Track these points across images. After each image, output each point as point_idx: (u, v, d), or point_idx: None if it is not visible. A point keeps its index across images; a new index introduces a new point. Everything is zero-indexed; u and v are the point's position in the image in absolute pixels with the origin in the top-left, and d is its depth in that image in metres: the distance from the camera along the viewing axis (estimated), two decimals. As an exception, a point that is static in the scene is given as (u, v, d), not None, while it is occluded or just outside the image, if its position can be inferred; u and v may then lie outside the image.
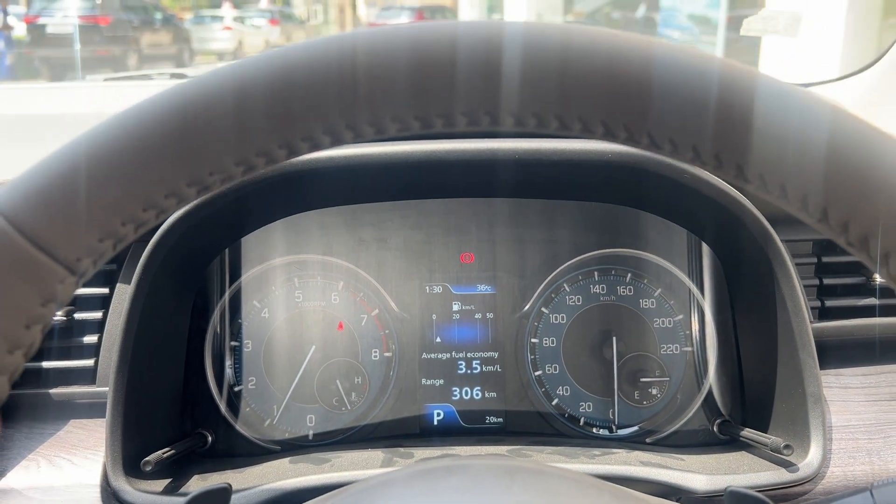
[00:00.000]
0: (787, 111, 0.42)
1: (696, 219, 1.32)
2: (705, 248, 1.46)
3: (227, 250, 1.43)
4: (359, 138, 0.55)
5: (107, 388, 1.16)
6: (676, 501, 1.20)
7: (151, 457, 1.16)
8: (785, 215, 1.31)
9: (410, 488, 0.67)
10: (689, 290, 1.49)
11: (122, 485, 1.14)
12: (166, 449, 1.21)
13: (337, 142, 0.55)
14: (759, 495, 0.80)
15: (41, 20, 17.52)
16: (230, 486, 0.83)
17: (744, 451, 1.32)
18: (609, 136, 0.47)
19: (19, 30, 18.02)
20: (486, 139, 1.12)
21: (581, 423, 1.49)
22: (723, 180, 1.12)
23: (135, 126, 0.51)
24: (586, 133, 0.47)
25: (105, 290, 1.29)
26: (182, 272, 1.26)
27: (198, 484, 1.21)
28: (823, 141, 0.42)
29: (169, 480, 1.20)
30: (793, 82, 0.47)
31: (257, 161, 0.54)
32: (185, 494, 1.10)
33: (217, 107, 0.50)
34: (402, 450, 1.32)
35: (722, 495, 1.17)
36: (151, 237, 1.15)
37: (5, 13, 16.75)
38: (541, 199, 1.47)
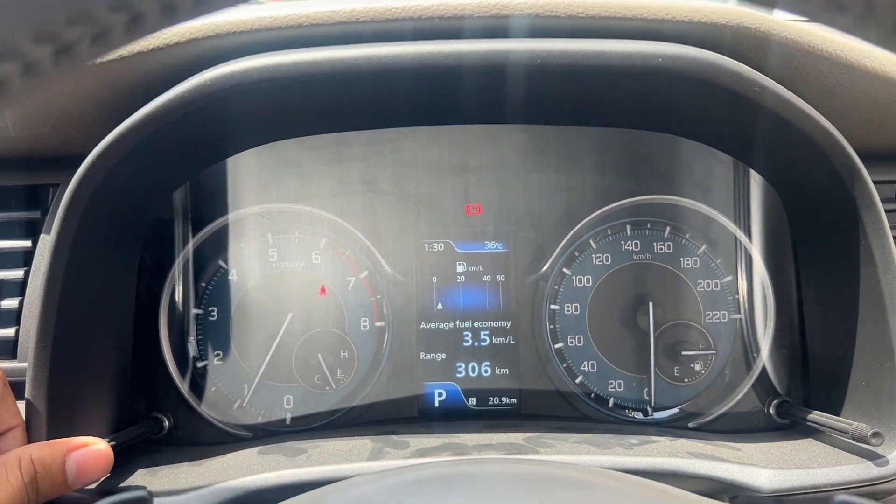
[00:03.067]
0: None
1: (758, 149, 1.06)
2: (760, 192, 1.21)
3: (183, 196, 1.18)
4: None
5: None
6: (728, 501, 0.97)
7: (80, 449, 0.93)
8: (871, 151, 1.06)
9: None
10: (740, 244, 1.24)
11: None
12: (104, 439, 0.97)
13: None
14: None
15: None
16: (149, 494, 0.61)
17: (810, 439, 1.08)
18: None
19: None
20: (496, 39, 0.87)
21: (610, 404, 1.26)
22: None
23: None
24: None
25: (26, 244, 1.05)
26: (120, 218, 1.02)
27: (143, 479, 0.98)
28: None
29: (144, 491, 0.97)
30: None
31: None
32: (113, 492, 0.87)
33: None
34: (394, 437, 1.09)
35: (792, 495, 0.94)
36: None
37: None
38: (561, 127, 1.19)
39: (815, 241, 1.09)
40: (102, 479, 0.91)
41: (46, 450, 0.82)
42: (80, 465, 0.84)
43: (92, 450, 0.85)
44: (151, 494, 0.79)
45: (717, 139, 1.08)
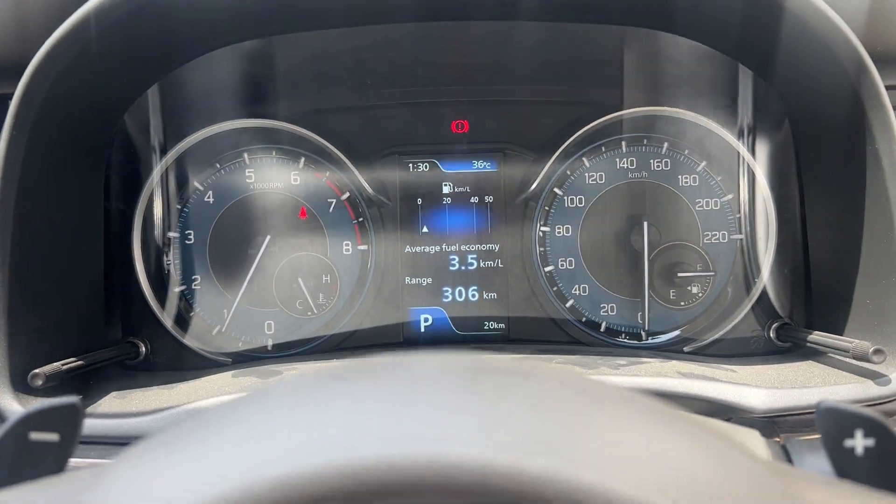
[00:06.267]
0: None
1: (764, 50, 0.97)
2: (763, 102, 1.13)
3: (150, 111, 1.11)
4: None
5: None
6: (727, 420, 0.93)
7: (44, 369, 0.90)
8: (881, 55, 0.97)
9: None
10: (742, 159, 1.17)
11: (9, 402, 0.88)
12: (69, 359, 0.94)
13: None
14: (869, 412, 0.52)
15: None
16: (80, 402, 0.57)
17: (810, 361, 1.03)
18: None
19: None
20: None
21: (602, 329, 1.21)
22: None
23: None
24: None
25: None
26: (78, 130, 0.96)
27: (113, 403, 0.95)
28: None
29: (76, 398, 0.94)
30: None
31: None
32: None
33: None
34: (375, 361, 1.04)
35: (788, 415, 0.89)
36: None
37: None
38: (553, 24, 1.08)
39: (821, 151, 1.01)
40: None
41: None
42: None
43: None
44: (83, 404, 0.73)
45: (718, 38, 0.99)
